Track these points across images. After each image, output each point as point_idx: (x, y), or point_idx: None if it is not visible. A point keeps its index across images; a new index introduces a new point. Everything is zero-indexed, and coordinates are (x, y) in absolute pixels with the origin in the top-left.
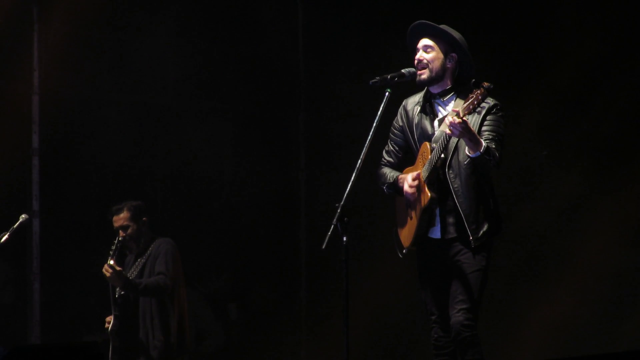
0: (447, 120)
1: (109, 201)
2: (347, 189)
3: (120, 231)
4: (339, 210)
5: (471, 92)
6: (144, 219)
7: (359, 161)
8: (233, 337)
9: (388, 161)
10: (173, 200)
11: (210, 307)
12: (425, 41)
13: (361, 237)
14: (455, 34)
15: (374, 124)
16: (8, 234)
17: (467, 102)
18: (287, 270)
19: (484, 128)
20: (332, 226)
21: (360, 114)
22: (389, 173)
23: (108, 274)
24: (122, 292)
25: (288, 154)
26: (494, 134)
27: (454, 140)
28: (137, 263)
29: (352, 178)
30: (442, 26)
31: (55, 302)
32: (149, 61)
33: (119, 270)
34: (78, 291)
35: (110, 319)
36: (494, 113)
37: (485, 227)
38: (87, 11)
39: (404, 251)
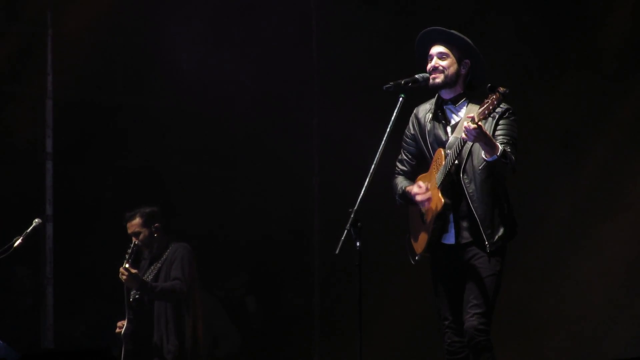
0: (463, 126)
1: (123, 206)
2: (361, 194)
3: (133, 237)
4: (352, 215)
5: (486, 96)
6: (156, 224)
7: (373, 166)
8: (248, 341)
9: (402, 170)
10: (188, 204)
11: (227, 311)
12: (438, 48)
13: (375, 242)
14: (469, 40)
15: (388, 129)
16: (22, 238)
17: (483, 107)
18: (301, 275)
19: (497, 132)
20: (346, 231)
21: (374, 119)
22: (399, 184)
23: (124, 277)
24: (137, 296)
25: (302, 158)
26: (509, 138)
27: (467, 145)
28: (152, 268)
29: (366, 183)
30: (453, 31)
31: (69, 307)
32: (163, 66)
33: (135, 273)
34: (91, 296)
35: (122, 323)
36: (507, 117)
37: (501, 232)
38: (101, 16)
39: (416, 258)
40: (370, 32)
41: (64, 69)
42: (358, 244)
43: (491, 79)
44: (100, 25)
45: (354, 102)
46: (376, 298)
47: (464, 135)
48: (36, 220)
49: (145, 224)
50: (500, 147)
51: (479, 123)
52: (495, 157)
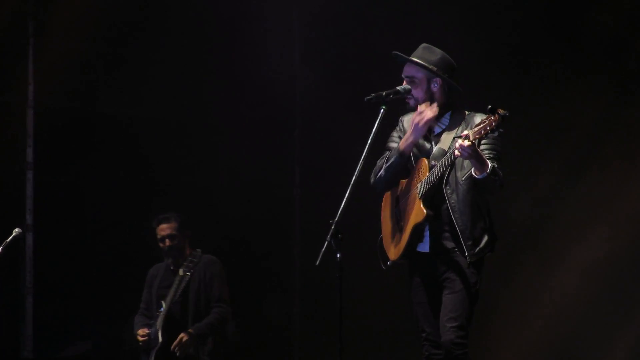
0: (456, 144)
1: (103, 215)
2: (342, 206)
3: (167, 240)
4: (333, 227)
5: (485, 116)
6: (188, 232)
7: (354, 177)
8: (227, 352)
9: None
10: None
11: None
12: (406, 71)
13: (355, 253)
14: (433, 58)
15: (369, 141)
16: (1, 248)
17: (480, 127)
18: (282, 286)
19: (482, 147)
20: (326, 242)
21: (355, 131)
22: (389, 155)
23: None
24: (171, 308)
25: (283, 170)
26: (494, 153)
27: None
28: (179, 279)
29: (347, 194)
30: (422, 47)
31: (49, 317)
32: (144, 75)
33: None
34: (71, 305)
35: (143, 331)
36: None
37: (482, 244)
38: (83, 25)
39: (388, 263)
40: (353, 41)
41: (46, 78)
42: (339, 255)
43: (470, 88)
44: (81, 34)
45: (335, 113)
46: (357, 309)
47: (457, 153)
48: (16, 229)
49: (180, 228)
50: (490, 164)
51: (473, 141)
52: (485, 174)
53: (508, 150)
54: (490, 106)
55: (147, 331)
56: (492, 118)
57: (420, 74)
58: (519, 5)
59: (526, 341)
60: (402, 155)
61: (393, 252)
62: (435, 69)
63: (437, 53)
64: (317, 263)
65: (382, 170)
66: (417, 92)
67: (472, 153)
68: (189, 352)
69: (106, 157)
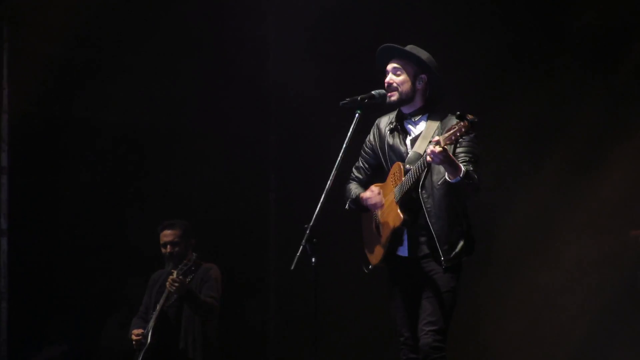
0: (428, 150)
1: (79, 220)
2: (317, 210)
3: (169, 246)
4: (307, 231)
5: (455, 122)
6: (192, 240)
7: (329, 182)
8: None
9: (357, 177)
10: (143, 219)
11: None
12: (393, 64)
13: (330, 257)
14: (423, 55)
15: (344, 145)
16: None
17: (450, 133)
18: (257, 290)
19: (458, 150)
20: (301, 247)
21: (331, 135)
22: (353, 189)
23: (175, 285)
24: (166, 308)
25: (259, 174)
26: (470, 155)
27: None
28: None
29: (322, 199)
30: (410, 47)
31: (24, 322)
32: (120, 80)
33: (183, 279)
34: (46, 310)
35: (138, 331)
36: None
37: (458, 248)
38: (58, 29)
39: (369, 267)
40: (328, 48)
41: (20, 83)
42: (313, 259)
43: (455, 87)
44: (56, 39)
45: (310, 118)
46: (332, 314)
47: (428, 158)
48: None
49: (183, 235)
50: (464, 168)
51: (445, 147)
52: (458, 178)
53: (502, 152)
54: (458, 112)
55: (142, 332)
56: (462, 124)
57: (409, 68)
58: (508, 5)
59: (512, 345)
60: (358, 207)
61: (373, 257)
62: (428, 62)
63: (424, 53)
64: (292, 267)
65: (348, 202)
66: (404, 87)
67: (443, 159)
68: (177, 290)
69: (81, 161)
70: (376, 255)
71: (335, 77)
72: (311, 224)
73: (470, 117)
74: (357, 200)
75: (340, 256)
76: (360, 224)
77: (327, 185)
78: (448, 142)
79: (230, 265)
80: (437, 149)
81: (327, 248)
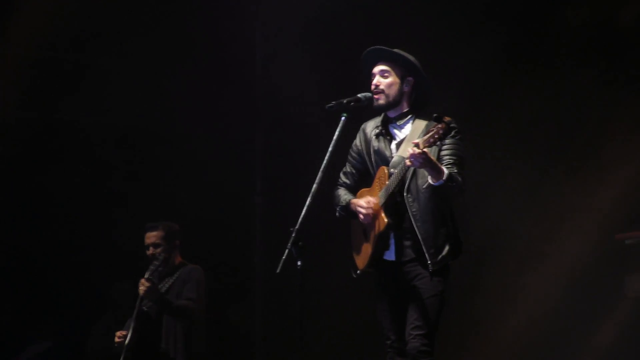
0: (407, 152)
1: (63, 221)
2: (302, 213)
3: (151, 248)
4: (293, 235)
5: (432, 125)
6: (176, 241)
7: (315, 185)
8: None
9: (344, 182)
10: (128, 220)
11: None
12: (381, 66)
13: (316, 261)
14: (411, 58)
15: (330, 148)
16: None
17: (428, 135)
18: (243, 294)
19: (443, 152)
20: (287, 250)
21: (317, 138)
22: (342, 195)
23: (143, 288)
24: (145, 308)
25: (245, 177)
26: (455, 158)
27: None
28: (162, 284)
29: (308, 202)
30: (397, 50)
31: (8, 320)
32: (101, 83)
33: (155, 285)
34: (31, 309)
35: (121, 333)
36: (452, 136)
37: (444, 252)
38: (38, 33)
39: (357, 272)
40: (315, 51)
41: (4, 86)
42: (299, 263)
43: (441, 91)
44: (36, 42)
45: (296, 121)
46: (318, 317)
47: (408, 162)
48: None
49: (166, 237)
50: (446, 171)
51: (425, 149)
52: (441, 181)
53: (494, 153)
54: (435, 114)
55: (125, 333)
56: (439, 126)
57: (397, 70)
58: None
59: (498, 348)
60: (348, 213)
61: (361, 261)
62: (416, 64)
63: (411, 56)
64: (278, 271)
65: (338, 209)
66: (392, 89)
67: (423, 162)
68: (147, 295)
69: (68, 163)
70: (363, 260)
71: (323, 80)
72: (297, 227)
73: (447, 119)
74: (348, 206)
75: (327, 259)
76: (348, 228)
77: (313, 188)
78: (427, 145)
79: (216, 268)
80: (416, 151)
81: (313, 251)
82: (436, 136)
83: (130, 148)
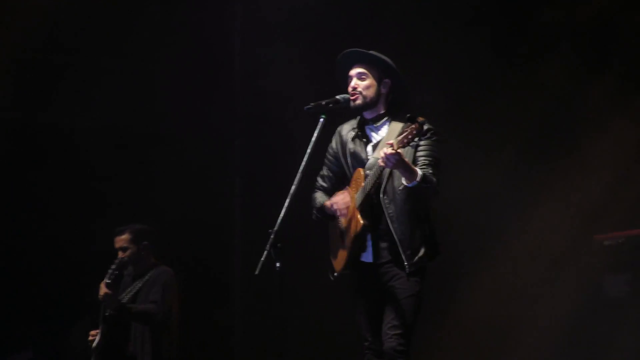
0: (381, 153)
1: (44, 224)
2: (281, 215)
3: (120, 252)
4: (272, 236)
5: (406, 125)
6: (145, 243)
7: (293, 187)
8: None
9: (322, 186)
10: (108, 223)
11: None
12: (358, 69)
13: (295, 262)
14: (388, 59)
15: (308, 150)
16: None
17: (402, 136)
18: (222, 295)
19: (418, 153)
20: (266, 252)
21: (296, 140)
22: (319, 198)
23: (102, 293)
24: (107, 313)
25: (224, 179)
26: (430, 159)
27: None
28: (133, 286)
29: (286, 204)
30: (373, 52)
31: None
32: (82, 85)
33: (112, 293)
34: (11, 317)
35: (95, 332)
36: (428, 137)
37: (421, 253)
38: (17, 34)
39: (335, 274)
40: (294, 52)
41: None
42: (278, 264)
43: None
44: (15, 43)
45: (275, 123)
46: (298, 318)
47: (381, 163)
48: None
49: (133, 240)
50: (420, 172)
51: (398, 150)
52: (415, 182)
53: (476, 151)
54: (409, 115)
55: (97, 331)
56: (413, 127)
57: (374, 72)
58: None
59: (474, 348)
60: (324, 215)
61: (338, 263)
62: (393, 66)
63: (387, 58)
64: (257, 272)
65: (314, 212)
66: (369, 91)
67: (396, 163)
68: (104, 302)
69: (43, 166)
70: (340, 262)
71: (301, 82)
72: (276, 228)
73: (420, 119)
74: (322, 209)
75: (305, 261)
76: (326, 230)
77: (292, 189)
78: (401, 145)
79: (195, 270)
80: (389, 151)
81: (292, 253)
82: (410, 137)
83: (107, 151)
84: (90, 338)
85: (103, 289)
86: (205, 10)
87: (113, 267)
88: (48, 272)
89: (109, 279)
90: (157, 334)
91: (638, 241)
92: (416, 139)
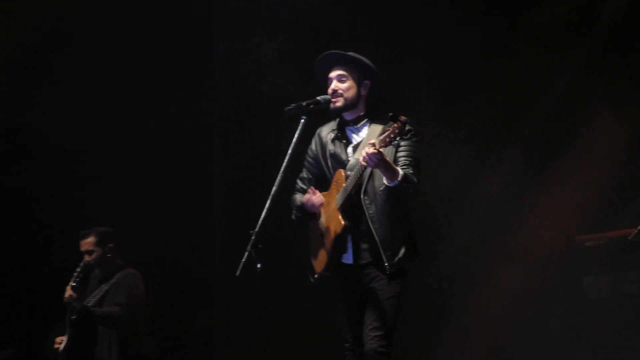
0: (363, 153)
1: (24, 224)
2: (262, 216)
3: (85, 255)
4: (253, 237)
5: (388, 124)
6: (110, 245)
7: (274, 188)
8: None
9: (301, 188)
10: (87, 225)
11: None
12: (338, 70)
13: (276, 263)
14: (367, 61)
15: (289, 151)
16: None
17: (384, 135)
18: (203, 297)
19: (399, 154)
20: (247, 253)
21: (277, 141)
22: (298, 199)
23: (67, 295)
24: (74, 316)
25: (204, 180)
26: (411, 159)
27: (368, 168)
28: (99, 289)
29: (267, 205)
30: (353, 54)
31: None
32: (62, 87)
33: (77, 297)
34: None
35: (61, 339)
36: (409, 139)
37: (401, 254)
38: (1, 34)
39: (315, 276)
40: (274, 53)
41: None
42: (259, 265)
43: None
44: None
45: (256, 124)
46: (278, 319)
47: (363, 162)
48: None
49: (99, 243)
50: (401, 172)
51: (380, 149)
52: (396, 182)
53: (458, 150)
54: (391, 114)
55: (64, 338)
56: (395, 125)
57: (354, 74)
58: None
59: (455, 349)
60: (305, 213)
61: (318, 265)
62: (373, 67)
63: (367, 60)
64: (238, 273)
65: (294, 211)
66: (349, 93)
67: (378, 162)
68: (70, 305)
69: (24, 167)
70: (321, 263)
71: (282, 83)
72: (256, 229)
73: (403, 118)
74: (302, 207)
75: (286, 262)
76: (306, 231)
77: (273, 190)
78: (383, 145)
79: (176, 271)
80: (371, 150)
81: (273, 254)
82: (392, 135)
83: (89, 149)
84: (57, 345)
85: (68, 292)
86: (187, 10)
87: (78, 270)
88: (32, 271)
89: (74, 282)
90: (124, 336)
91: (619, 243)
92: (398, 138)
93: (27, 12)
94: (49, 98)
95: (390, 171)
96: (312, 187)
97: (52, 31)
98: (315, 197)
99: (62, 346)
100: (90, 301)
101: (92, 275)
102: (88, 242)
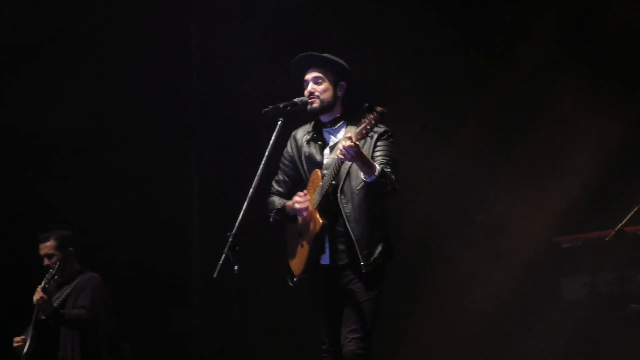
0: (340, 145)
1: (6, 229)
2: (239, 218)
3: (45, 259)
4: (230, 239)
5: (364, 116)
6: (70, 249)
7: (251, 190)
8: None
9: (277, 190)
10: (67, 225)
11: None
12: (314, 72)
13: (254, 265)
14: (343, 62)
15: (266, 153)
16: None
17: (360, 127)
18: (180, 299)
19: (376, 154)
20: (224, 255)
21: (253, 143)
22: (277, 201)
23: (37, 297)
24: (43, 317)
25: (182, 182)
26: (388, 159)
27: (345, 166)
28: (61, 292)
29: (244, 207)
30: (328, 55)
31: None
32: (45, 89)
33: (49, 298)
34: None
35: (20, 338)
36: (386, 139)
37: (377, 254)
38: None
39: (294, 279)
40: (251, 53)
41: None
42: (236, 267)
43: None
44: None
45: (233, 126)
46: (256, 321)
47: (340, 155)
48: None
49: (59, 247)
50: (379, 167)
51: (357, 142)
52: (374, 177)
53: (437, 148)
54: (367, 104)
55: (23, 337)
56: (371, 116)
57: (330, 76)
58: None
59: (434, 351)
60: (283, 216)
61: (296, 267)
62: (349, 69)
63: (342, 61)
64: (215, 275)
65: (272, 214)
66: (326, 95)
67: (355, 155)
68: (40, 306)
69: (7, 170)
70: (299, 265)
71: (259, 85)
72: (234, 231)
73: (379, 109)
74: (283, 210)
75: (264, 264)
76: (283, 234)
77: (250, 192)
78: (360, 137)
79: (153, 273)
80: (348, 143)
81: (250, 256)
82: (368, 127)
83: (64, 152)
84: (15, 345)
85: (39, 293)
86: (163, 10)
87: (52, 271)
88: (6, 274)
89: (47, 284)
90: (87, 339)
91: (596, 244)
92: (375, 128)
93: (2, 11)
94: (23, 99)
95: (367, 165)
96: (299, 193)
97: (27, 31)
98: (304, 203)
99: (25, 349)
100: (53, 304)
101: (51, 279)
102: (48, 246)
